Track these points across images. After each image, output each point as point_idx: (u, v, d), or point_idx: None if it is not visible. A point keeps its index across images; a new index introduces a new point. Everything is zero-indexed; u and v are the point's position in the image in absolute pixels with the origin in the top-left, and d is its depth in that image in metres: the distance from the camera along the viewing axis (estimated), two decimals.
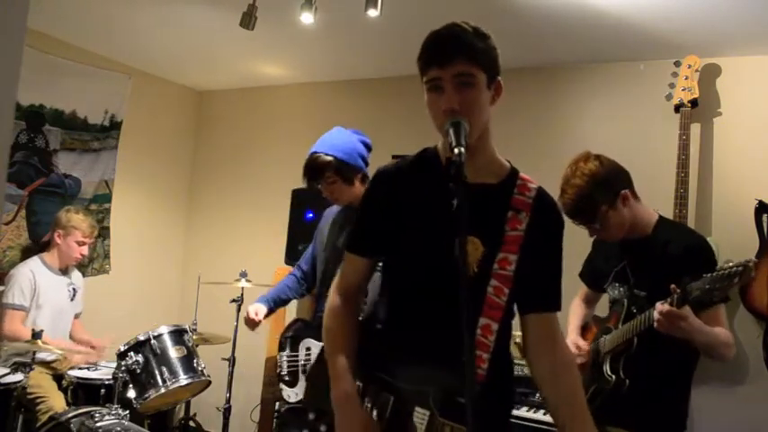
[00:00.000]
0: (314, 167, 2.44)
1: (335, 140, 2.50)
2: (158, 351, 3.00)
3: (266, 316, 2.74)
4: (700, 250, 2.00)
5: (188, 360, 3.07)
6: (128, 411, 2.75)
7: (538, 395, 3.13)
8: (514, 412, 2.74)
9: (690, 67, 3.04)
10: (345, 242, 1.56)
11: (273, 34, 3.45)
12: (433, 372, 1.35)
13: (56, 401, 2.95)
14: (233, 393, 3.39)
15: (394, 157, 3.01)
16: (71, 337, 3.53)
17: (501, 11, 2.90)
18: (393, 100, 3.98)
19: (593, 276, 2.34)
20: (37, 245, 3.74)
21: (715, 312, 1.93)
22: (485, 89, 1.36)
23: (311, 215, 3.54)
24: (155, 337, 3.02)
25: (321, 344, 1.71)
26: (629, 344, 2.00)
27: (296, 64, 4.12)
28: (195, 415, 3.69)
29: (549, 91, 3.63)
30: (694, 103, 3.00)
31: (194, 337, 3.29)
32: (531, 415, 2.86)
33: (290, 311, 3.57)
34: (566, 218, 2.11)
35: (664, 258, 2.00)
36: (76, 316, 3.58)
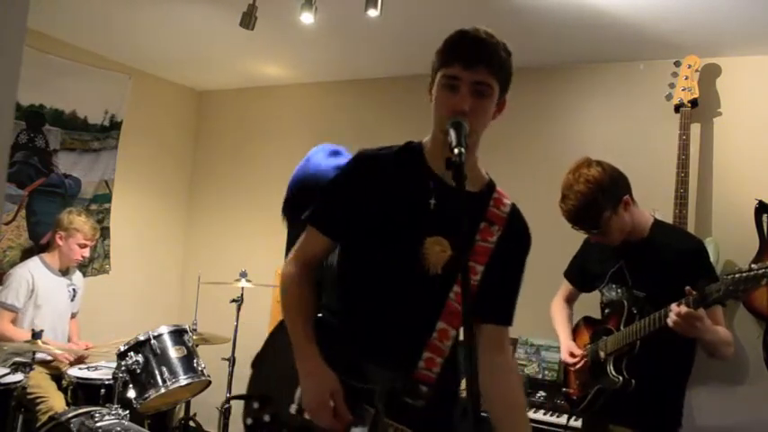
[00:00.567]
0: (303, 194, 2.18)
1: (315, 160, 2.31)
2: (158, 351, 3.00)
3: None
4: (699, 254, 2.05)
5: (188, 360, 3.07)
6: (128, 411, 2.74)
7: (538, 395, 3.14)
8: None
9: (690, 67, 3.04)
10: (308, 213, 1.49)
11: (273, 34, 3.45)
12: (378, 371, 1.35)
13: (56, 401, 2.95)
14: (233, 393, 3.39)
15: None
16: (68, 338, 3.54)
17: (501, 11, 2.89)
18: (393, 100, 3.98)
19: (584, 277, 2.37)
20: (37, 245, 3.74)
21: (715, 312, 1.98)
22: (494, 103, 1.38)
23: None
24: (155, 337, 3.02)
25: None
26: (633, 345, 2.03)
27: (296, 64, 4.12)
28: (195, 415, 3.69)
29: (549, 91, 3.63)
30: (694, 103, 3.00)
31: (194, 337, 3.29)
32: (530, 415, 2.86)
33: None
34: (564, 223, 2.14)
35: (661, 260, 2.03)
36: (72, 316, 3.58)
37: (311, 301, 1.48)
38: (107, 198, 4.29)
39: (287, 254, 1.59)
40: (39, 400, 2.94)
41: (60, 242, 3.43)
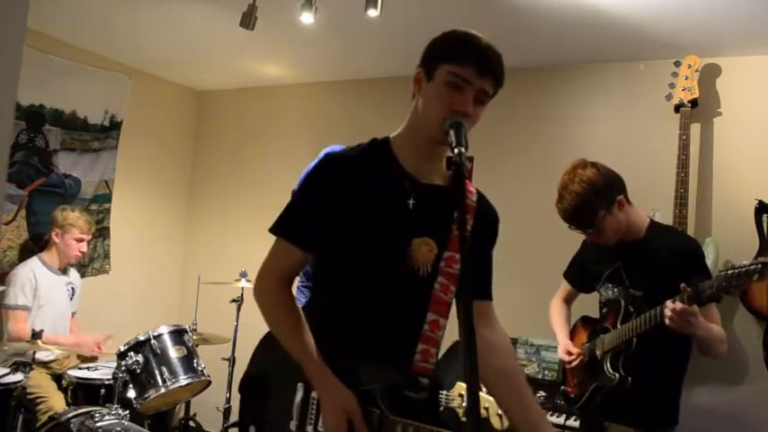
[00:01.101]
0: None
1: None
2: (158, 351, 3.00)
3: None
4: (694, 253, 2.10)
5: (188, 360, 3.07)
6: (128, 411, 2.74)
7: (538, 395, 3.14)
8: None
9: (690, 67, 3.04)
10: (275, 224, 1.43)
11: (273, 34, 3.45)
12: (378, 370, 1.34)
13: (56, 401, 2.95)
14: (233, 393, 3.39)
15: None
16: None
17: (501, 11, 2.89)
18: (393, 100, 3.95)
19: (582, 277, 2.41)
20: (36, 245, 3.73)
21: (711, 311, 2.02)
22: (484, 110, 1.40)
23: None
24: (155, 337, 3.02)
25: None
26: (630, 343, 2.06)
27: (296, 64, 4.12)
28: (195, 415, 3.69)
29: (549, 91, 3.62)
30: (694, 103, 3.00)
31: (194, 337, 3.29)
32: None
33: None
34: (562, 222, 2.15)
35: (659, 261, 2.07)
36: (72, 315, 3.58)
37: (301, 318, 1.42)
38: (107, 198, 4.29)
39: None
40: (39, 400, 2.94)
41: (57, 239, 3.43)
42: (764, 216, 2.88)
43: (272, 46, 3.74)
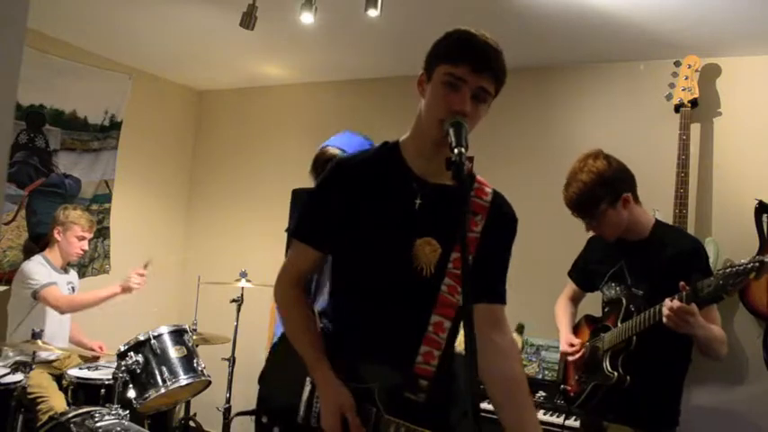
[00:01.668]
0: (323, 161, 2.41)
1: (345, 138, 2.48)
2: (158, 351, 3.00)
3: None
4: (696, 253, 2.08)
5: (188, 360, 3.07)
6: (128, 411, 2.74)
7: (538, 395, 3.14)
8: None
9: (690, 67, 3.04)
10: (293, 228, 1.51)
11: (273, 34, 3.45)
12: (378, 369, 1.36)
13: (56, 401, 2.95)
14: (233, 393, 3.39)
15: None
16: (69, 338, 3.54)
17: (501, 11, 2.89)
18: (393, 100, 3.98)
19: (586, 276, 2.41)
20: (37, 245, 3.73)
21: (711, 312, 2.01)
22: (487, 108, 1.39)
23: None
24: (155, 337, 3.02)
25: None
26: (629, 341, 2.06)
27: (296, 64, 4.12)
28: (195, 415, 3.69)
29: (549, 91, 3.63)
30: (694, 103, 3.00)
31: (194, 337, 3.28)
32: None
33: None
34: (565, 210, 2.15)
35: (661, 260, 2.06)
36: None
37: (312, 316, 1.50)
38: (107, 198, 4.29)
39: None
40: (39, 400, 2.94)
41: (59, 237, 3.44)
42: (764, 216, 2.88)
43: (271, 46, 3.74)
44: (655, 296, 1.99)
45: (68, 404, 2.97)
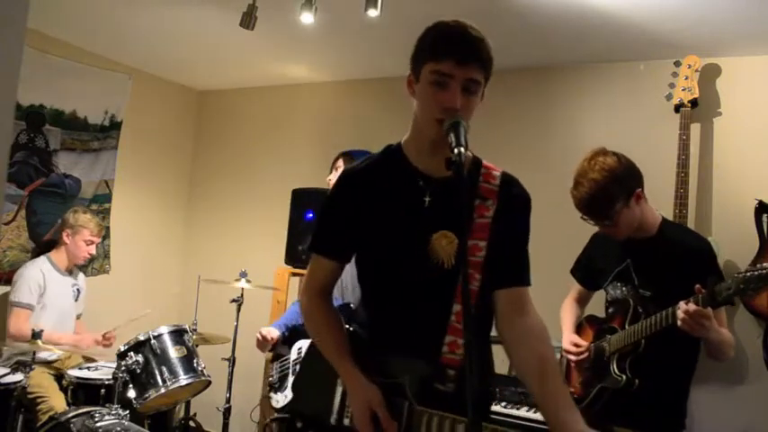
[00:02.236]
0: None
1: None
2: (158, 351, 3.00)
3: (277, 341, 2.74)
4: (705, 253, 2.03)
5: (188, 360, 3.07)
6: (128, 411, 2.74)
7: None
8: (515, 412, 2.74)
9: (690, 67, 3.04)
10: (309, 243, 1.57)
11: (273, 34, 3.45)
12: (407, 363, 1.38)
13: (56, 401, 2.95)
14: (233, 393, 3.39)
15: None
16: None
17: (501, 11, 2.89)
18: (393, 100, 3.96)
19: (590, 274, 2.34)
20: (38, 245, 3.74)
21: (720, 314, 1.97)
22: (479, 97, 1.39)
23: (311, 215, 3.54)
24: (155, 337, 3.03)
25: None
26: (638, 344, 2.01)
27: (296, 64, 4.12)
28: (195, 415, 3.69)
29: (550, 91, 3.62)
30: (694, 103, 3.00)
31: (194, 337, 3.29)
32: (530, 415, 2.86)
33: None
34: (573, 213, 2.13)
35: (669, 259, 2.01)
36: (77, 317, 3.58)
37: (336, 320, 1.54)
38: (107, 198, 4.29)
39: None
40: (39, 400, 2.94)
41: (67, 240, 3.45)
42: (764, 216, 2.88)
43: (271, 46, 3.74)
44: (663, 298, 1.94)
45: (68, 404, 2.97)
